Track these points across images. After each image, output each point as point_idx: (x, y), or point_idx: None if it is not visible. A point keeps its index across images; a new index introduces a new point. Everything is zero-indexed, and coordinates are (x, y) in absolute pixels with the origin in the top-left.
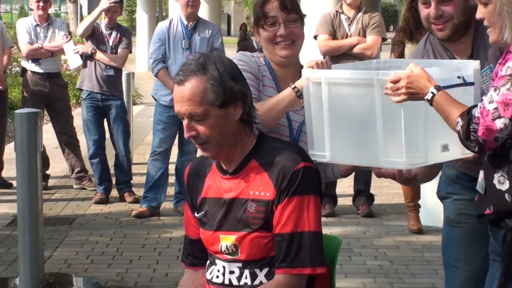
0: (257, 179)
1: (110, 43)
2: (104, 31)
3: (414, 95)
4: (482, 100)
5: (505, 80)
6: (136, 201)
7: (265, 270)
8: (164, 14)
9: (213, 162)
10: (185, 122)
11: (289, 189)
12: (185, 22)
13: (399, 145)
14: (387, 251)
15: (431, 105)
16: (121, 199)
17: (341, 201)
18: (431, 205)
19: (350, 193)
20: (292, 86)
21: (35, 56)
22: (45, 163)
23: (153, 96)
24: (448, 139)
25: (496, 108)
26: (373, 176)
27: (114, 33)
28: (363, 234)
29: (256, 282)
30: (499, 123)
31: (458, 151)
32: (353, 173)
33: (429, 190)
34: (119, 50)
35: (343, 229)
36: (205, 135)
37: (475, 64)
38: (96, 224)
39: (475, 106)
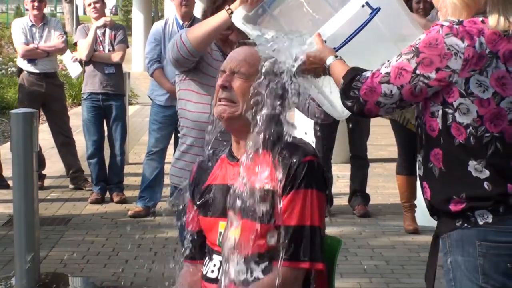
0: (264, 169)
1: (106, 42)
2: (97, 32)
3: (319, 70)
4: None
5: (410, 50)
6: (123, 201)
7: (262, 266)
8: (160, 14)
9: (222, 154)
10: (225, 73)
11: (294, 182)
12: (181, 22)
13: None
14: (383, 251)
15: (330, 75)
16: (111, 199)
17: (336, 201)
18: None
19: (346, 193)
20: (227, 7)
21: (31, 57)
22: (41, 163)
23: (149, 96)
24: (385, 56)
25: (388, 73)
26: (369, 176)
27: (108, 31)
28: (359, 234)
29: (252, 276)
30: (384, 88)
31: None
32: (349, 174)
33: None
34: (115, 47)
35: (339, 229)
36: (236, 92)
37: None
38: (92, 224)
39: (367, 70)
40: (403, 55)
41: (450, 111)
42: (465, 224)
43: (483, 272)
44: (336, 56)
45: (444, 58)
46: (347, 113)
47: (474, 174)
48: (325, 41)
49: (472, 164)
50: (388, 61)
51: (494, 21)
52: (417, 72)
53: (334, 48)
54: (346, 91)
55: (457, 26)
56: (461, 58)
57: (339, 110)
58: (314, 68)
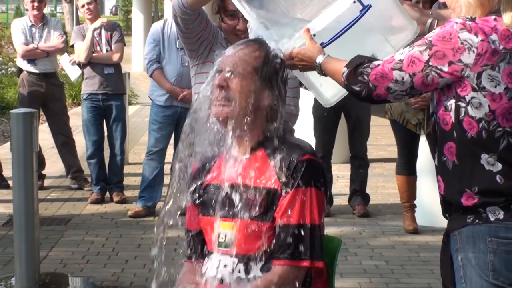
0: (262, 168)
1: (103, 42)
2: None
3: (307, 66)
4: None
5: (423, 42)
6: (123, 201)
7: (260, 264)
8: (160, 14)
9: (221, 154)
10: (221, 73)
11: (293, 181)
12: None
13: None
14: (383, 251)
15: (323, 73)
16: (111, 199)
17: (336, 201)
18: (427, 205)
19: (346, 193)
20: None
21: (31, 57)
22: (41, 163)
23: (149, 97)
24: (373, 49)
25: (401, 60)
26: (369, 176)
27: (103, 32)
28: (359, 234)
29: (251, 275)
30: (396, 74)
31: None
32: (349, 174)
33: (425, 191)
34: (113, 46)
35: (338, 229)
36: (233, 91)
37: None
38: (91, 224)
39: (375, 59)
40: (416, 47)
41: (463, 104)
42: (476, 220)
43: (493, 268)
44: (324, 54)
45: (457, 52)
46: (334, 100)
47: (487, 167)
48: (314, 35)
49: (484, 158)
50: (401, 49)
51: (508, 19)
52: (430, 63)
53: (322, 43)
54: (353, 77)
55: (470, 23)
56: (474, 53)
57: (326, 97)
58: (303, 65)
